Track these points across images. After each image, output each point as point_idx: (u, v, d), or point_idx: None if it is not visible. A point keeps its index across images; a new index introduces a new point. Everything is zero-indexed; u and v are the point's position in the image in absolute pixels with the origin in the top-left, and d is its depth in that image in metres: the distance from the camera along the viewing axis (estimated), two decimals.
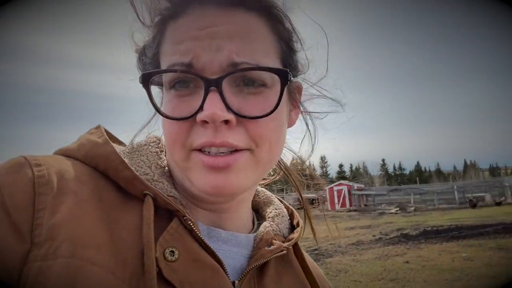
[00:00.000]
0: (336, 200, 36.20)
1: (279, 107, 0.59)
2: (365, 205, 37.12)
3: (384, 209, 32.28)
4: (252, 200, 0.76)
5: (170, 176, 0.66)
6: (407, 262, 9.27)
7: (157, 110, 0.59)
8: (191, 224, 0.58)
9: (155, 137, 0.72)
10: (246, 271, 0.62)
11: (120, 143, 0.73)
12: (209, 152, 0.57)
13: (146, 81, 0.59)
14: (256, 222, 0.76)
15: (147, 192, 0.58)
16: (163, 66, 0.61)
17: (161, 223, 0.57)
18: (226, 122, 0.56)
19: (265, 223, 0.73)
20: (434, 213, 25.20)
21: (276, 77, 0.59)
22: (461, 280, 7.29)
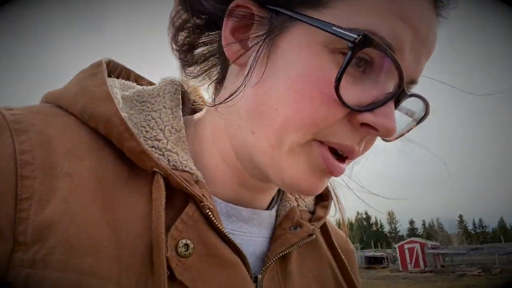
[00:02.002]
0: (408, 260, 33.34)
1: None
2: (442, 265, 33.67)
3: (464, 270, 28.99)
4: None
5: (186, 141, 0.53)
6: None
7: (338, 81, 0.42)
8: (209, 212, 0.47)
9: (172, 82, 0.58)
10: (270, 262, 0.52)
11: (129, 76, 0.60)
12: (335, 152, 0.48)
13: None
14: (275, 194, 0.63)
15: (156, 170, 0.46)
16: (375, 24, 0.43)
17: (174, 206, 0.47)
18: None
19: (289, 196, 0.62)
20: None
21: (419, 110, 0.53)
22: None
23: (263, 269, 0.52)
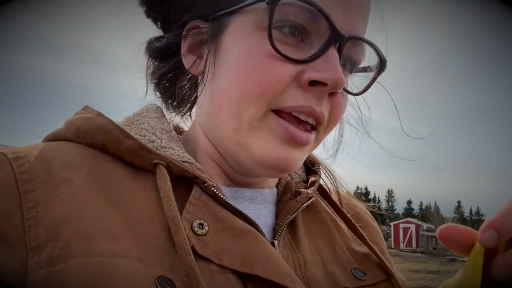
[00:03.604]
0: (401, 238, 33.98)
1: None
2: (434, 248, 34.32)
3: (455, 255, 29.54)
4: None
5: (178, 140, 0.58)
6: None
7: (270, 36, 0.47)
8: (215, 190, 0.50)
9: (152, 105, 0.63)
10: (282, 229, 0.55)
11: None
12: (295, 118, 0.50)
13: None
14: None
15: (157, 161, 0.49)
16: None
17: (179, 195, 0.49)
18: (332, 93, 0.50)
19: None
20: None
21: (376, 61, 0.56)
22: None
23: (277, 236, 0.55)
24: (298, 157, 0.52)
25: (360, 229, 0.63)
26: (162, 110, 0.63)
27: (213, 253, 0.46)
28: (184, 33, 0.57)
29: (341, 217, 0.65)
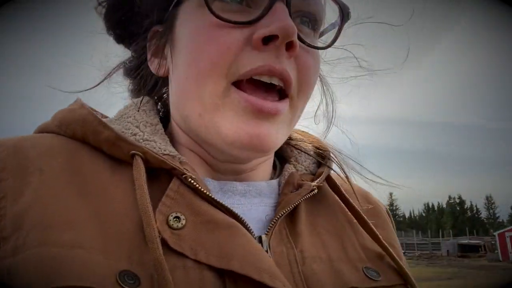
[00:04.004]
0: (510, 249, 30.19)
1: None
2: None
3: None
4: None
5: (164, 133, 0.57)
6: None
7: (209, 6, 0.47)
8: (193, 181, 0.48)
9: (144, 98, 0.62)
10: (273, 222, 0.51)
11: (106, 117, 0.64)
12: (260, 88, 0.49)
13: None
14: (278, 166, 0.66)
15: (134, 151, 0.48)
16: None
17: (159, 188, 0.48)
18: (289, 47, 0.47)
19: (287, 165, 0.63)
20: None
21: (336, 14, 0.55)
22: None
23: (267, 230, 0.51)
24: (273, 131, 0.49)
25: (372, 226, 0.58)
26: (154, 102, 0.62)
27: (189, 248, 0.44)
28: (148, 42, 0.59)
29: (351, 211, 0.60)
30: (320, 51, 0.56)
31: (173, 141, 0.58)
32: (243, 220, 0.49)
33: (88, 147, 0.51)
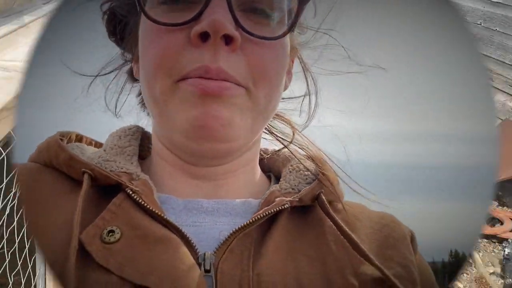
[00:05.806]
0: None
1: (286, 49, 0.50)
2: None
3: None
4: (270, 162, 0.63)
5: (134, 155, 0.56)
6: None
7: (142, 8, 0.48)
8: (134, 195, 0.47)
9: (131, 126, 0.62)
10: (223, 241, 0.48)
11: (80, 139, 0.64)
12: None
13: None
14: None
15: (84, 169, 0.50)
16: None
17: (107, 203, 0.48)
18: (229, 41, 0.45)
19: (274, 185, 0.58)
20: None
21: (292, 3, 0.49)
22: None
23: (216, 248, 0.48)
24: (226, 114, 0.46)
25: (362, 247, 0.51)
26: (139, 130, 0.61)
27: (116, 264, 0.42)
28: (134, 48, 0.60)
29: (339, 231, 0.53)
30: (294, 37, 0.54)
31: (158, 161, 0.58)
32: (186, 235, 0.47)
33: (53, 170, 0.53)
